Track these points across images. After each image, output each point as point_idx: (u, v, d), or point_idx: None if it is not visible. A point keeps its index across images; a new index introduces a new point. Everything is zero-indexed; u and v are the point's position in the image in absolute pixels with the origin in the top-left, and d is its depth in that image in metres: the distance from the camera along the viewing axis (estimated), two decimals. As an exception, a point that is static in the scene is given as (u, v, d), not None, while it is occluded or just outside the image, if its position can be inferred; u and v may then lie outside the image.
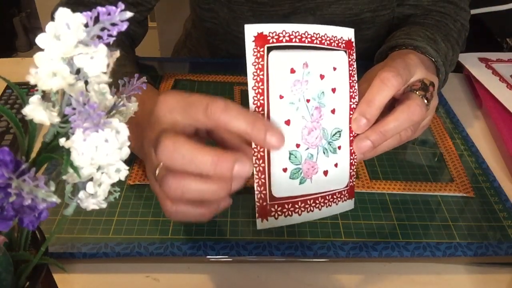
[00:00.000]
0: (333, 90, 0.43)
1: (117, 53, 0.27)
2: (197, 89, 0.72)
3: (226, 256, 0.48)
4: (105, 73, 0.26)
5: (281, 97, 0.41)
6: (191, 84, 0.73)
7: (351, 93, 0.45)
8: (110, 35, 0.25)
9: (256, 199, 0.40)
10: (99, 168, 0.26)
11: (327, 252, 0.48)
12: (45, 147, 0.28)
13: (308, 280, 0.48)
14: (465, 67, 0.81)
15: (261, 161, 0.41)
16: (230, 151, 0.38)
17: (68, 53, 0.24)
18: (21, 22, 2.27)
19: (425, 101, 0.46)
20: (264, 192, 0.41)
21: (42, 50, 0.24)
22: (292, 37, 0.42)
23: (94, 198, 0.26)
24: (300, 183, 0.43)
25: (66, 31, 0.24)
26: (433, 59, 0.61)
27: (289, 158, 0.42)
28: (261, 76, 0.40)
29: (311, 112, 0.43)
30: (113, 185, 0.27)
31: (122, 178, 0.27)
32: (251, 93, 0.41)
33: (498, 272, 0.49)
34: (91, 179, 0.26)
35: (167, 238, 0.49)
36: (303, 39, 0.43)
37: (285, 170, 0.42)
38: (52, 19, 0.25)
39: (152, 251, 0.47)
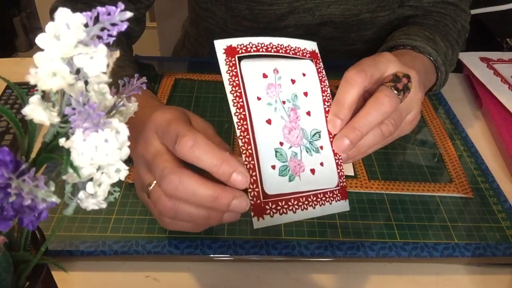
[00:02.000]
0: (305, 94, 0.46)
1: (117, 53, 0.27)
2: (197, 88, 0.72)
3: (225, 255, 0.48)
4: (105, 73, 0.26)
5: (258, 98, 0.44)
6: (191, 83, 0.74)
7: (324, 97, 0.47)
8: (110, 35, 0.25)
9: (250, 197, 0.41)
10: (99, 168, 0.26)
11: (324, 251, 0.48)
12: (45, 147, 0.28)
13: (308, 280, 0.48)
14: (465, 67, 0.81)
15: (250, 158, 0.42)
16: (230, 188, 0.39)
17: (68, 53, 0.25)
18: (21, 22, 2.27)
19: (395, 91, 0.46)
20: (257, 189, 0.41)
21: (42, 50, 0.25)
22: (259, 47, 0.45)
23: (94, 198, 0.27)
24: (290, 180, 0.44)
25: (66, 31, 0.24)
26: (432, 59, 0.61)
27: (275, 156, 0.43)
28: (237, 82, 0.43)
29: (288, 112, 0.45)
30: (113, 185, 0.27)
31: (122, 178, 0.27)
32: (230, 97, 0.43)
33: (498, 272, 0.50)
34: (91, 179, 0.26)
35: (165, 237, 0.49)
36: (269, 49, 0.46)
37: (273, 167, 0.43)
38: (51, 18, 0.25)
39: (149, 250, 0.47)
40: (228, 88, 0.43)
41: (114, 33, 0.25)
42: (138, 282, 0.47)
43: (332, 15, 0.75)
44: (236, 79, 0.43)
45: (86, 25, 0.25)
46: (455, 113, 0.71)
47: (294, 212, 0.43)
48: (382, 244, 0.49)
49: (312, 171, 0.45)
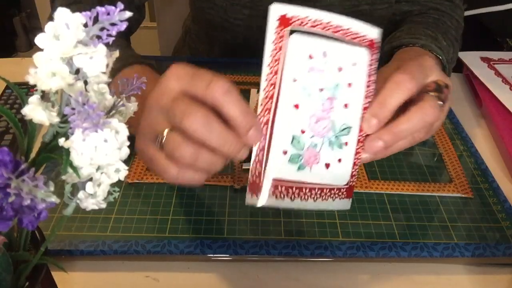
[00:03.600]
0: (349, 85, 0.43)
1: (116, 53, 0.27)
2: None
3: (225, 255, 0.48)
4: (104, 73, 0.26)
5: (294, 80, 0.41)
6: (191, 83, 0.73)
7: (367, 93, 0.44)
8: (109, 35, 0.25)
9: (250, 174, 0.40)
10: (98, 168, 0.26)
11: (324, 251, 0.48)
12: (44, 147, 0.28)
13: (308, 280, 0.48)
14: (465, 67, 0.81)
15: (262, 138, 0.41)
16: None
17: (67, 53, 0.25)
18: (21, 22, 2.27)
19: (439, 102, 0.46)
20: (259, 168, 0.41)
21: (42, 50, 0.25)
22: (315, 24, 0.41)
23: (93, 198, 0.27)
24: (299, 169, 0.42)
25: (65, 31, 0.24)
26: (440, 57, 0.61)
27: (291, 142, 0.42)
28: (278, 56, 0.40)
29: (323, 101, 0.42)
30: (112, 185, 0.27)
31: (122, 178, 0.27)
32: (265, 70, 0.40)
33: (498, 272, 0.50)
34: (90, 179, 0.26)
35: (165, 237, 0.49)
36: (327, 28, 0.42)
37: (285, 152, 0.41)
38: (50, 18, 0.25)
39: (149, 249, 0.47)
40: (267, 60, 0.40)
41: (114, 33, 0.25)
42: (138, 282, 0.47)
43: (332, 6, 0.76)
44: (279, 53, 0.40)
45: (85, 25, 0.25)
46: (455, 113, 0.71)
47: (292, 200, 0.42)
48: (382, 244, 0.49)
49: (327, 165, 0.43)
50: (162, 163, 0.41)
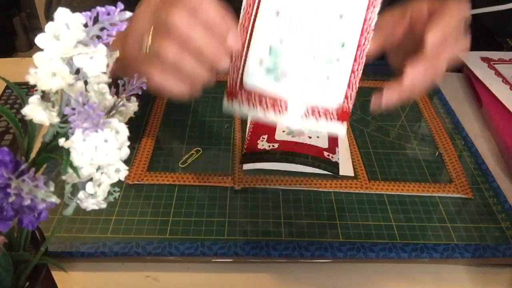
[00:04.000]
0: (341, 16, 0.39)
1: (116, 53, 0.27)
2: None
3: (225, 257, 0.48)
4: (104, 73, 0.26)
5: None
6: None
7: (370, 4, 0.39)
8: (109, 35, 0.25)
9: (228, 80, 0.40)
10: (98, 168, 0.26)
11: (325, 253, 0.48)
12: (44, 147, 0.28)
13: (308, 281, 0.48)
14: (465, 67, 0.81)
15: (244, 39, 0.40)
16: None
17: (67, 53, 0.25)
18: (21, 22, 2.27)
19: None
20: (235, 76, 0.40)
21: (42, 50, 0.25)
22: None
23: (93, 198, 0.27)
24: (275, 80, 0.40)
25: (65, 31, 0.24)
26: None
27: (269, 52, 0.39)
28: None
29: (312, 6, 0.38)
30: (112, 185, 0.27)
31: (122, 178, 0.27)
32: None
33: (498, 272, 0.49)
34: (90, 179, 0.26)
35: (165, 238, 0.49)
36: None
37: (261, 62, 0.40)
38: (46, 17, 0.25)
39: (150, 251, 0.47)
40: None
41: (114, 33, 0.25)
42: (138, 282, 0.47)
43: None
44: None
45: (85, 25, 0.25)
46: (455, 112, 0.71)
47: (265, 110, 0.40)
48: (382, 245, 0.49)
49: (309, 79, 0.40)
50: (146, 65, 0.41)
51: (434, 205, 0.55)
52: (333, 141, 0.61)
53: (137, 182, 0.55)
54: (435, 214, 0.53)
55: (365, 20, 0.39)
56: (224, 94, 0.42)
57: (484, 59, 0.81)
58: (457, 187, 0.57)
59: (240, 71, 0.40)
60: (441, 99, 0.74)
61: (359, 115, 0.69)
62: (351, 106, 0.42)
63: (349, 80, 0.40)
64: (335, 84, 0.41)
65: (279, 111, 0.40)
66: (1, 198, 0.23)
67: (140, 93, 0.31)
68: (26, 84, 0.26)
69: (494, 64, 0.79)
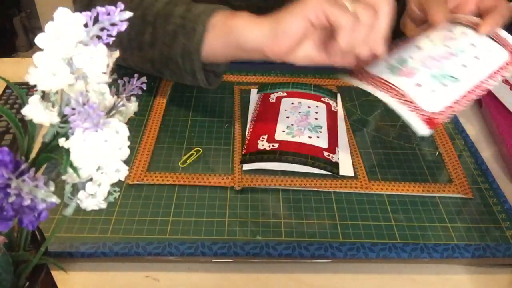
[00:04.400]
0: (476, 57, 0.52)
1: (116, 53, 0.27)
2: (197, 88, 0.72)
3: (225, 257, 0.48)
4: (104, 73, 0.26)
5: (427, 36, 0.57)
6: (191, 84, 0.73)
7: (487, 77, 0.52)
8: (109, 35, 0.25)
9: (355, 68, 0.55)
10: (98, 168, 0.26)
11: (325, 253, 0.48)
12: (44, 147, 0.28)
13: (308, 280, 0.48)
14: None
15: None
16: None
17: (68, 53, 0.25)
18: (21, 22, 2.27)
19: None
20: (362, 65, 0.55)
21: (42, 50, 0.25)
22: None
23: (93, 198, 0.27)
24: (392, 73, 0.53)
25: (65, 31, 0.24)
26: None
27: (396, 59, 0.55)
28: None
29: (442, 52, 0.54)
30: (112, 185, 0.27)
31: (122, 178, 0.27)
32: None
33: (498, 272, 0.50)
34: (90, 179, 0.26)
35: (165, 238, 0.49)
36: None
37: (386, 61, 0.55)
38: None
39: (150, 251, 0.47)
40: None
41: (114, 33, 0.25)
42: (138, 282, 0.47)
43: None
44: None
45: (85, 25, 0.25)
46: (455, 113, 0.71)
47: (374, 87, 0.53)
48: (382, 245, 0.49)
49: (418, 84, 0.52)
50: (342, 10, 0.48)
51: (434, 205, 0.55)
52: (333, 141, 0.61)
53: (137, 182, 0.55)
54: (435, 214, 0.53)
55: (491, 73, 0.53)
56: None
57: None
58: (457, 187, 0.57)
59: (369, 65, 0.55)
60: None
61: (359, 115, 0.69)
62: (443, 121, 0.50)
63: (450, 105, 0.51)
64: (437, 97, 0.51)
65: (389, 94, 0.51)
66: (1, 198, 0.23)
67: (140, 93, 0.31)
68: (26, 84, 0.26)
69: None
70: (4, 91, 0.69)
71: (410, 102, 0.51)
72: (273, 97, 0.68)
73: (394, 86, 0.52)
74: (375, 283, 0.48)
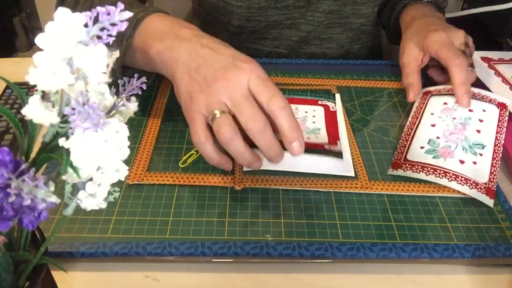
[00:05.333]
0: (480, 120, 0.60)
1: (116, 53, 0.27)
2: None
3: (225, 257, 0.48)
4: (104, 73, 0.26)
5: (431, 114, 0.64)
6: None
7: (497, 142, 0.59)
8: (109, 35, 0.25)
9: (394, 158, 0.60)
10: (98, 168, 0.26)
11: (325, 253, 0.48)
12: (44, 147, 0.28)
13: (308, 280, 0.48)
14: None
15: (408, 135, 0.63)
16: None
17: (67, 53, 0.25)
18: (21, 22, 2.27)
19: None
20: (400, 155, 0.60)
21: (42, 50, 0.25)
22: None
23: (93, 198, 0.27)
24: (433, 157, 0.58)
25: (65, 31, 0.24)
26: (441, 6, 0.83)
27: (428, 142, 0.61)
28: (422, 105, 0.63)
29: (455, 124, 0.62)
30: (112, 185, 0.27)
31: (122, 178, 0.27)
32: (414, 108, 0.68)
33: (498, 272, 0.50)
34: (90, 179, 0.26)
35: (165, 238, 0.49)
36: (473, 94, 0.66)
37: (422, 147, 0.60)
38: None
39: (150, 251, 0.47)
40: (416, 103, 0.69)
41: (114, 33, 0.25)
42: (138, 282, 0.47)
43: None
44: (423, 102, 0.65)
45: (85, 25, 0.25)
46: (455, 113, 0.71)
47: (427, 175, 0.57)
48: (382, 245, 0.49)
49: (461, 161, 0.57)
50: (198, 127, 0.52)
51: (434, 205, 0.55)
52: (333, 137, 0.62)
53: (137, 182, 0.55)
54: (435, 214, 0.53)
55: (497, 128, 0.61)
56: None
57: (484, 59, 0.81)
58: (457, 187, 0.57)
59: (405, 152, 0.60)
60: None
61: (359, 115, 0.69)
62: (494, 185, 0.56)
63: (490, 170, 0.57)
64: (482, 167, 0.57)
65: (440, 177, 0.56)
66: (1, 198, 0.23)
67: (140, 93, 0.31)
68: (26, 84, 0.26)
69: (494, 64, 0.79)
70: (4, 91, 0.69)
71: (466, 180, 0.56)
72: None
73: (446, 169, 0.57)
74: (375, 283, 0.48)
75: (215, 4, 0.85)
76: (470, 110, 0.63)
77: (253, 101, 0.50)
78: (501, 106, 0.64)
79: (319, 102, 0.69)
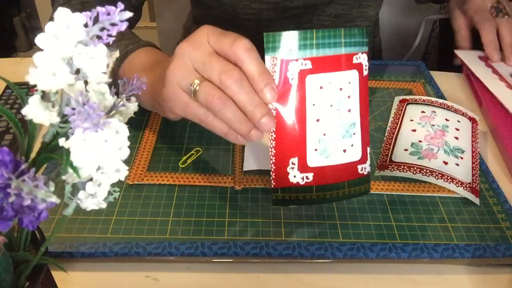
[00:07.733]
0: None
1: (116, 53, 0.27)
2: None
3: (225, 257, 0.48)
4: (104, 73, 0.26)
5: (411, 120, 0.67)
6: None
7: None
8: (109, 35, 0.25)
9: (379, 160, 0.61)
10: (98, 168, 0.26)
11: (325, 253, 0.48)
12: (44, 147, 0.28)
13: (308, 280, 0.48)
14: (465, 67, 0.81)
15: (390, 139, 0.64)
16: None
17: (67, 53, 0.25)
18: (21, 22, 2.27)
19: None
20: (385, 156, 0.62)
21: (42, 50, 0.25)
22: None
23: (93, 198, 0.27)
24: (418, 158, 0.60)
25: (65, 31, 0.24)
26: None
27: (411, 145, 0.62)
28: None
29: (435, 130, 0.65)
30: (112, 185, 0.27)
31: (122, 178, 0.27)
32: (392, 115, 0.69)
33: (498, 272, 0.50)
34: (90, 179, 0.26)
35: (165, 238, 0.49)
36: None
37: (406, 150, 0.62)
38: (51, 19, 0.25)
39: (150, 251, 0.47)
40: (393, 110, 0.70)
41: (114, 33, 0.25)
42: (138, 282, 0.47)
43: None
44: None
45: (85, 25, 0.25)
46: (455, 113, 0.71)
47: (414, 174, 0.58)
48: (382, 245, 0.49)
49: (445, 162, 0.59)
50: (199, 110, 0.48)
51: (434, 205, 0.55)
52: (365, 139, 0.53)
53: (137, 182, 0.55)
54: (435, 214, 0.53)
55: (472, 138, 0.65)
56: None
57: (482, 58, 0.81)
58: (457, 187, 0.57)
59: (389, 155, 0.61)
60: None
61: (359, 115, 0.69)
62: (478, 187, 0.58)
63: (472, 170, 0.60)
64: (465, 168, 0.59)
65: (426, 174, 0.57)
66: (1, 198, 0.23)
67: (140, 93, 0.31)
68: (26, 84, 0.26)
69: (491, 62, 0.80)
70: (4, 91, 0.69)
71: (452, 179, 0.57)
72: (293, 71, 0.48)
73: (432, 168, 0.58)
74: (375, 283, 0.48)
75: (220, 17, 0.84)
76: (446, 120, 0.66)
77: (220, 57, 0.46)
78: (472, 120, 0.68)
79: (355, 60, 0.50)
